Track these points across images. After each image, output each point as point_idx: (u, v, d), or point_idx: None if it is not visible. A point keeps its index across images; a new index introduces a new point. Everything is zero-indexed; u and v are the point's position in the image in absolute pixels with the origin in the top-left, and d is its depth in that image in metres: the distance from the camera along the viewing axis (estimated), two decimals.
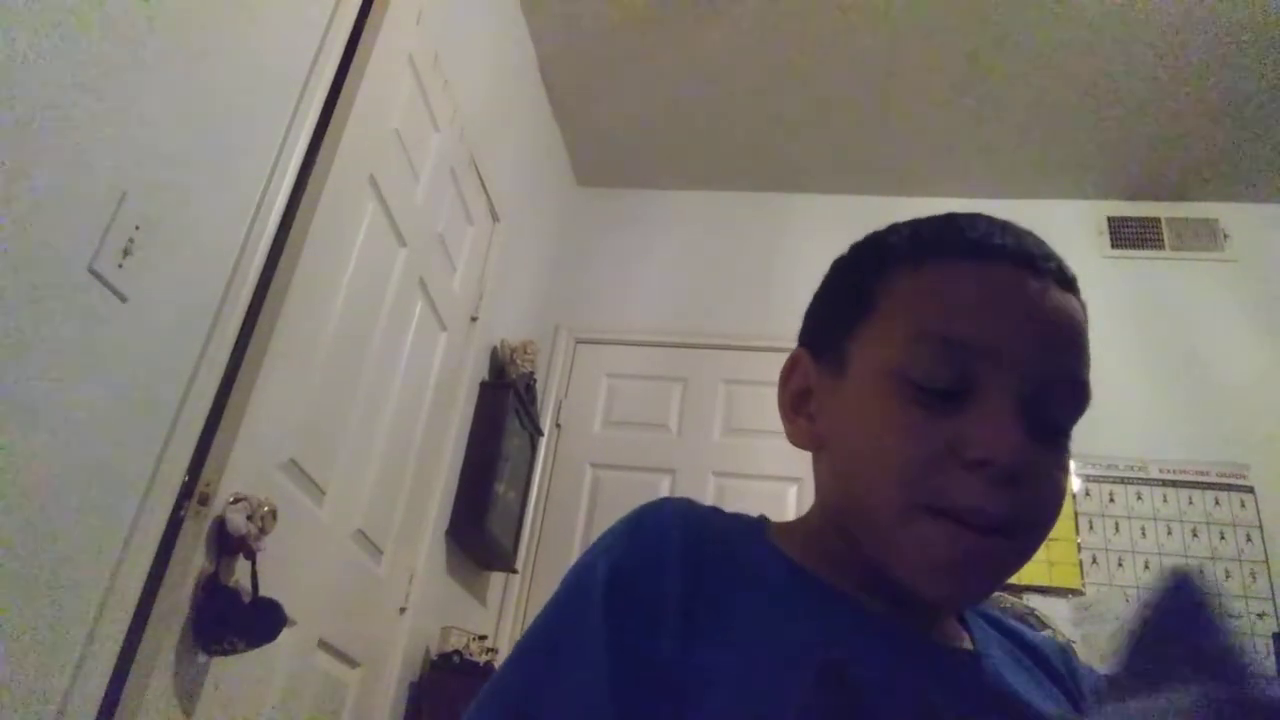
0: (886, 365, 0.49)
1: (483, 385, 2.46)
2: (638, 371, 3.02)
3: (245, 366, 1.40)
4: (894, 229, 0.55)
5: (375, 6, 1.74)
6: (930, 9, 2.43)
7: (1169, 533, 2.54)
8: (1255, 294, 2.82)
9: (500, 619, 2.64)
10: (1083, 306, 0.52)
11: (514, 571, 2.62)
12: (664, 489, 2.77)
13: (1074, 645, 1.94)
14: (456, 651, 2.17)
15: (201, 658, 1.27)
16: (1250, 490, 2.55)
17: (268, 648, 1.34)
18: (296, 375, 1.51)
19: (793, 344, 0.59)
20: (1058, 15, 2.39)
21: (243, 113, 1.37)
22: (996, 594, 2.06)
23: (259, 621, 1.31)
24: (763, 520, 0.57)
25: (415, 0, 1.88)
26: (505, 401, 2.44)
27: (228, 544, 1.30)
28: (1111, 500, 2.60)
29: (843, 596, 0.50)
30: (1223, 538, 2.51)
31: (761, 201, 3.25)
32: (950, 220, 0.53)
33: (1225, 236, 2.93)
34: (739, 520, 0.55)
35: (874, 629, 0.49)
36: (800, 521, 0.57)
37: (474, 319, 2.39)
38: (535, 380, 2.68)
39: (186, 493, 1.28)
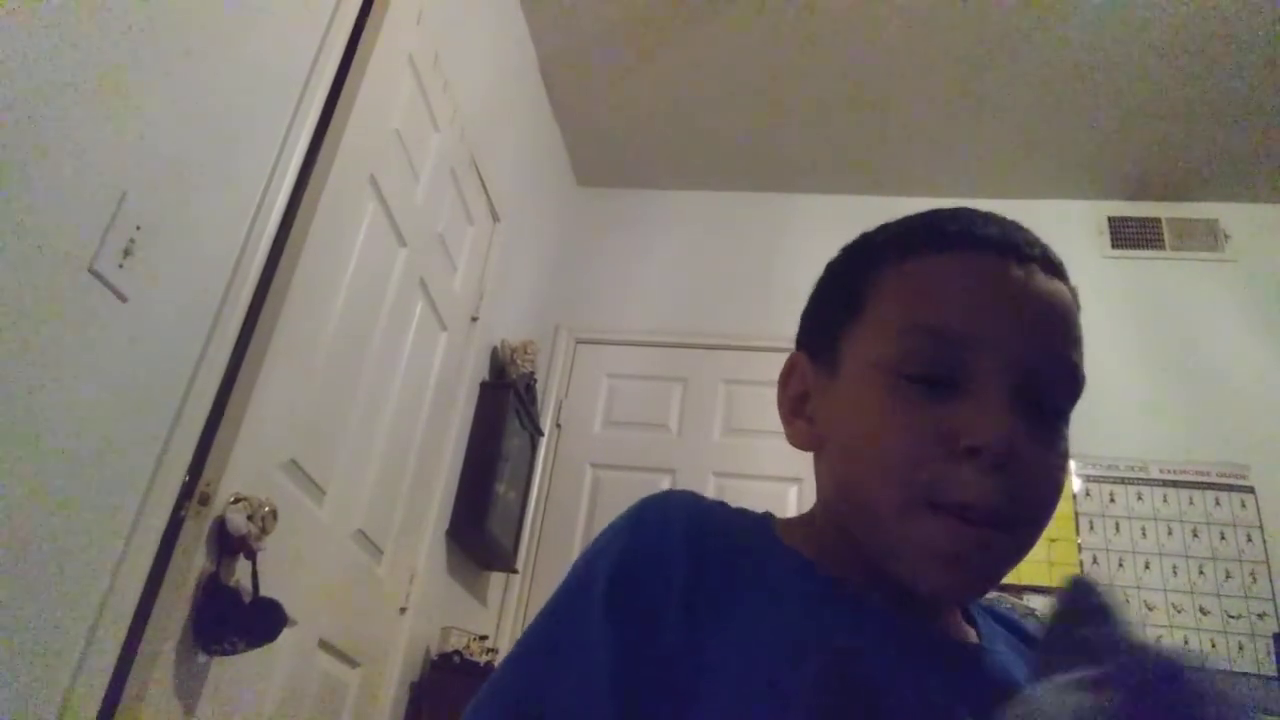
0: (875, 360, 0.50)
1: (483, 385, 2.46)
2: (638, 371, 3.02)
3: (245, 366, 1.40)
4: (881, 228, 0.56)
5: (375, 6, 1.74)
6: (930, 9, 2.43)
7: (1169, 533, 2.54)
8: (1255, 294, 2.82)
9: (500, 619, 2.65)
10: (1073, 292, 0.52)
11: (514, 571, 2.62)
12: (664, 489, 2.76)
13: None
14: (457, 651, 2.17)
15: (201, 658, 1.27)
16: (1250, 490, 2.55)
17: (268, 648, 1.34)
18: (297, 375, 1.51)
19: (792, 344, 0.60)
20: (1057, 15, 2.39)
21: (243, 113, 1.37)
22: (997, 594, 2.06)
23: (259, 621, 1.31)
24: (768, 516, 0.57)
25: (415, 0, 1.88)
26: (505, 401, 2.44)
27: (228, 544, 1.30)
28: (1112, 500, 2.60)
29: (848, 591, 0.50)
30: (1223, 538, 2.51)
31: (761, 201, 3.25)
32: (934, 215, 0.54)
33: (1225, 236, 2.93)
34: (744, 515, 0.55)
35: (879, 623, 0.49)
36: (804, 518, 0.57)
37: (474, 319, 2.39)
38: (535, 380, 2.68)
39: (187, 493, 1.28)
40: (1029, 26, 2.44)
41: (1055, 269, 0.51)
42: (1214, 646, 2.39)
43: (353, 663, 1.80)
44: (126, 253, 1.12)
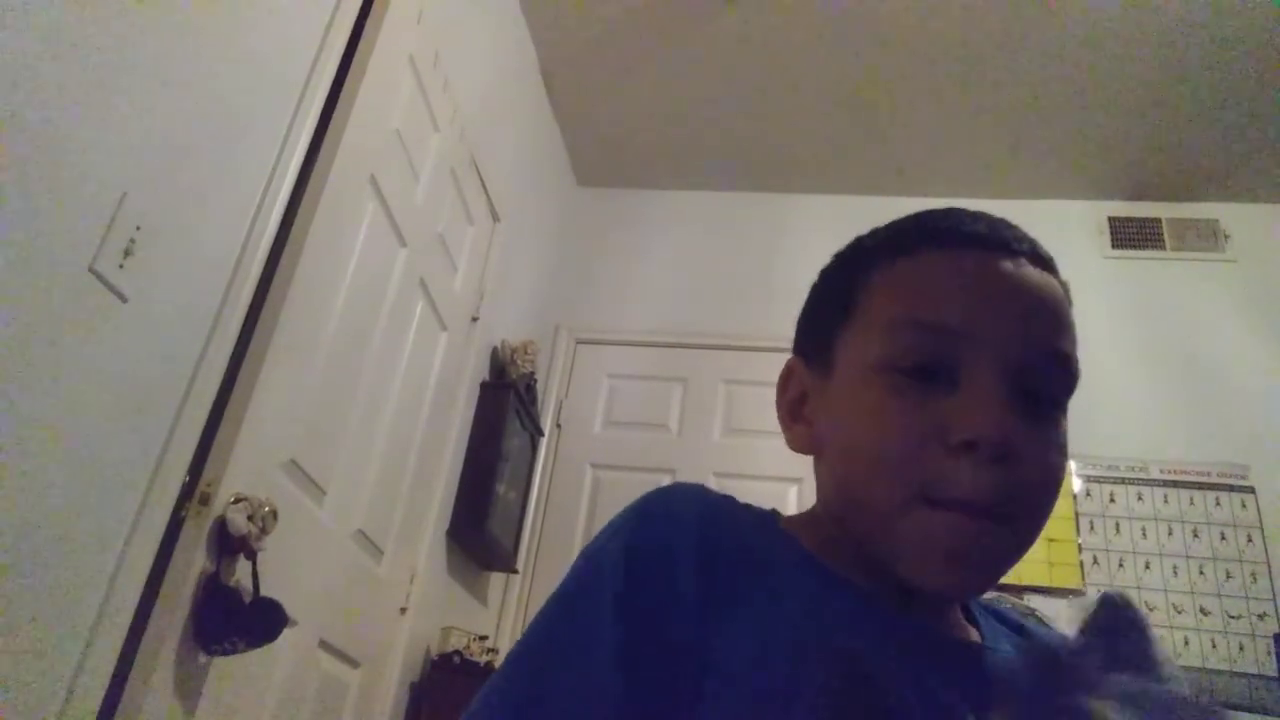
0: (867, 358, 0.50)
1: (483, 385, 2.46)
2: (638, 371, 3.02)
3: (245, 366, 1.40)
4: (872, 232, 0.57)
5: (375, 7, 1.74)
6: (930, 9, 2.43)
7: (1170, 533, 2.54)
8: (1255, 294, 2.82)
9: (501, 619, 2.65)
10: (1063, 285, 0.52)
11: (514, 572, 2.62)
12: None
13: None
14: (457, 652, 2.17)
15: (202, 658, 1.27)
16: (1251, 490, 2.55)
17: (268, 648, 1.34)
18: (297, 375, 1.51)
19: (792, 344, 0.60)
20: (1057, 15, 2.39)
21: (243, 113, 1.37)
22: (996, 594, 2.05)
23: (259, 621, 1.31)
24: (774, 512, 0.57)
25: (415, 0, 1.88)
26: (506, 402, 2.44)
27: (228, 544, 1.30)
28: (1112, 501, 2.60)
29: (854, 588, 0.50)
30: (1223, 538, 2.51)
31: (761, 201, 3.25)
32: (923, 215, 0.55)
33: (1225, 236, 2.93)
34: (750, 510, 0.56)
35: (884, 620, 0.49)
36: (806, 515, 0.57)
37: (474, 319, 2.39)
38: (535, 380, 2.68)
39: (187, 493, 1.28)
40: (1028, 26, 2.44)
41: (1044, 263, 0.52)
42: (1214, 646, 2.39)
43: (353, 663, 1.80)
44: (126, 253, 1.12)
